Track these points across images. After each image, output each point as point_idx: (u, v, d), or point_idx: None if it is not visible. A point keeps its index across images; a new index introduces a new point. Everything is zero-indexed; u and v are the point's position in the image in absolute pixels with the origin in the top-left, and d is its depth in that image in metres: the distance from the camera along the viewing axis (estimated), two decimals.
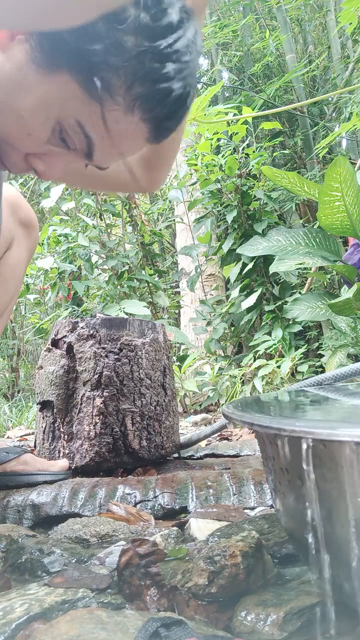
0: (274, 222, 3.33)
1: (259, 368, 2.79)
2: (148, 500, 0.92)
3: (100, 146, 0.58)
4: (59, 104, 0.55)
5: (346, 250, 2.35)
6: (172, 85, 0.54)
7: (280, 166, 4.58)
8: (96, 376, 1.18)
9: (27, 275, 3.89)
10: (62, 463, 1.15)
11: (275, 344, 2.94)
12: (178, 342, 3.65)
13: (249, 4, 5.00)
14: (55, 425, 1.22)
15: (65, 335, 1.24)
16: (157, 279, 3.69)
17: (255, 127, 3.78)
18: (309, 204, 4.31)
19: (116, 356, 1.20)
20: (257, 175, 3.36)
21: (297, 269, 2.63)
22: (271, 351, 2.97)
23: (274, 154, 4.33)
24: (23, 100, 0.54)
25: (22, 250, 1.07)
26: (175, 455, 1.33)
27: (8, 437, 2.35)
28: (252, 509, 0.87)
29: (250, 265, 3.18)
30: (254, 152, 3.29)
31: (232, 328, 3.71)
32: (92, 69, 0.52)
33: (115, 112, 0.55)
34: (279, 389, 2.63)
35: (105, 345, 1.21)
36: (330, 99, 4.39)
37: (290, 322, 3.01)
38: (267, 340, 2.99)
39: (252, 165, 3.25)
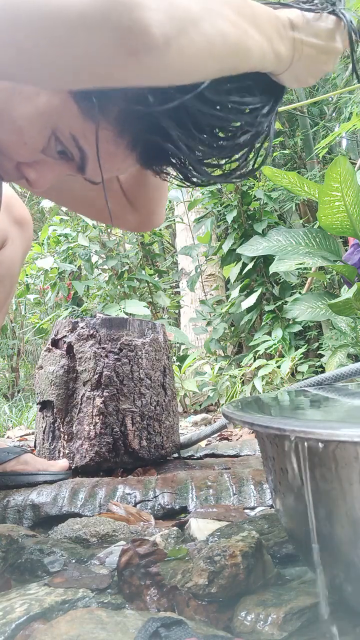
0: (274, 222, 3.33)
1: (259, 368, 2.79)
2: (148, 500, 0.92)
3: (93, 160, 0.59)
4: (56, 116, 0.55)
5: (346, 250, 2.35)
6: (166, 126, 0.53)
7: (280, 166, 4.58)
8: (96, 376, 1.18)
9: (27, 275, 3.89)
10: (62, 463, 1.15)
11: (275, 344, 2.94)
12: (178, 342, 3.65)
13: None
14: (55, 425, 1.22)
15: (65, 335, 1.24)
16: (157, 279, 3.70)
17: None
18: (309, 204, 4.31)
19: (116, 356, 1.20)
20: (257, 175, 3.36)
21: (297, 269, 2.63)
22: (271, 351, 2.97)
23: (274, 154, 4.33)
24: (21, 109, 0.54)
25: (17, 249, 1.07)
26: (175, 455, 1.33)
27: (8, 437, 2.35)
28: (252, 509, 0.87)
29: (250, 265, 3.18)
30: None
31: (232, 328, 3.71)
32: (91, 89, 0.52)
33: (107, 132, 0.56)
34: (279, 389, 2.63)
35: (105, 345, 1.21)
36: (330, 99, 4.39)
37: (290, 322, 3.01)
38: (267, 340, 2.99)
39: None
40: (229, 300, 3.53)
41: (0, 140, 0.57)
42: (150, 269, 3.73)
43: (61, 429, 1.21)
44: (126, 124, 0.55)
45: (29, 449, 1.37)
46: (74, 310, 3.56)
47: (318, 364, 2.90)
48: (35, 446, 1.32)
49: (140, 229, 0.91)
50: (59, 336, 1.26)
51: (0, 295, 1.08)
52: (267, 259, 3.06)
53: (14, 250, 1.06)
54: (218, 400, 3.10)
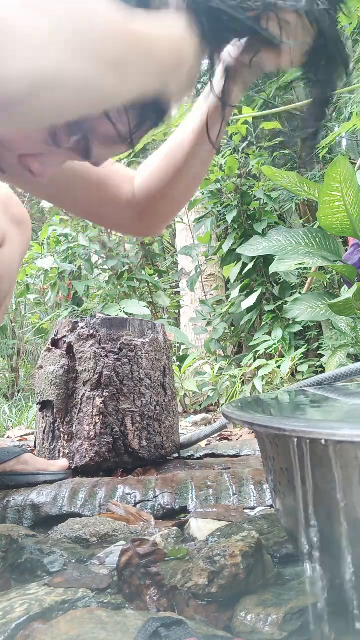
0: (274, 222, 3.34)
1: (259, 368, 2.79)
2: (148, 500, 0.92)
3: (95, 143, 0.58)
4: None
5: (346, 250, 2.35)
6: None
7: (280, 166, 4.58)
8: (96, 376, 1.18)
9: (27, 275, 3.89)
10: (62, 463, 1.15)
11: (275, 344, 2.94)
12: (178, 342, 3.65)
13: None
14: (55, 425, 1.22)
15: (65, 335, 1.24)
16: (157, 279, 3.69)
17: (255, 127, 3.78)
18: (309, 204, 4.31)
19: (116, 356, 1.20)
20: (257, 175, 3.36)
21: (297, 269, 2.63)
22: (271, 351, 2.97)
23: (274, 154, 4.33)
24: None
25: (15, 249, 1.06)
26: (175, 455, 1.33)
27: (8, 437, 2.35)
28: (252, 509, 0.87)
29: (250, 265, 3.19)
30: (254, 152, 3.29)
31: (232, 328, 3.72)
32: None
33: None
34: (279, 389, 2.63)
35: (105, 345, 1.21)
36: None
37: (290, 322, 3.01)
38: (267, 340, 2.99)
39: (252, 165, 3.25)
40: (229, 300, 3.53)
41: (1, 136, 0.57)
42: (150, 269, 3.73)
43: (61, 429, 1.20)
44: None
45: (29, 449, 1.37)
46: (74, 310, 3.56)
47: (318, 364, 2.90)
48: (35, 446, 1.32)
49: (137, 234, 0.91)
50: (59, 336, 1.26)
51: None
52: (267, 259, 3.06)
53: (12, 250, 1.06)
54: (218, 400, 3.10)
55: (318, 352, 3.29)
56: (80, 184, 0.81)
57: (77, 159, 0.62)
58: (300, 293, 3.06)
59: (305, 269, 2.96)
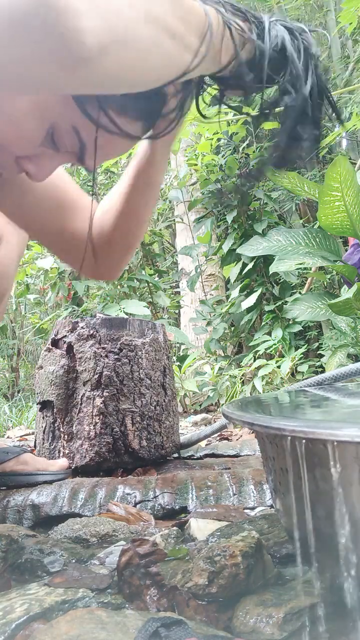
0: (274, 222, 3.34)
1: (259, 368, 2.79)
2: (148, 500, 0.92)
3: (92, 149, 0.58)
4: (55, 110, 0.54)
5: (346, 250, 2.35)
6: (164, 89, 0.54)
7: None
8: (96, 376, 1.18)
9: (27, 275, 3.89)
10: (62, 462, 1.15)
11: (275, 344, 2.94)
12: (178, 342, 3.65)
13: (249, 4, 5.00)
14: (55, 425, 1.22)
15: (65, 335, 1.24)
16: (157, 279, 3.69)
17: (255, 127, 3.78)
18: (309, 204, 4.31)
19: (116, 356, 1.20)
20: None
21: (297, 269, 2.63)
22: (271, 351, 2.97)
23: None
24: (17, 104, 0.53)
25: (13, 248, 1.06)
26: (175, 455, 1.33)
27: (8, 437, 2.35)
28: (252, 509, 0.87)
29: (250, 265, 3.19)
30: (254, 152, 3.30)
31: (232, 328, 3.72)
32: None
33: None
34: (279, 389, 2.63)
35: (105, 345, 1.21)
36: None
37: (290, 322, 3.01)
38: (267, 340, 2.99)
39: (252, 165, 3.25)
40: (229, 300, 3.53)
41: None
42: (150, 269, 3.73)
43: (61, 429, 1.21)
44: (129, 107, 0.55)
45: (29, 449, 1.37)
46: (74, 310, 3.56)
47: (318, 364, 2.90)
48: (35, 446, 1.32)
49: (95, 277, 0.94)
50: (59, 336, 1.26)
51: None
52: (267, 259, 3.06)
53: (9, 250, 1.06)
54: (218, 400, 3.10)
55: (318, 352, 3.29)
56: (47, 206, 0.83)
57: (73, 163, 0.62)
58: (300, 293, 3.06)
59: (305, 269, 2.96)
